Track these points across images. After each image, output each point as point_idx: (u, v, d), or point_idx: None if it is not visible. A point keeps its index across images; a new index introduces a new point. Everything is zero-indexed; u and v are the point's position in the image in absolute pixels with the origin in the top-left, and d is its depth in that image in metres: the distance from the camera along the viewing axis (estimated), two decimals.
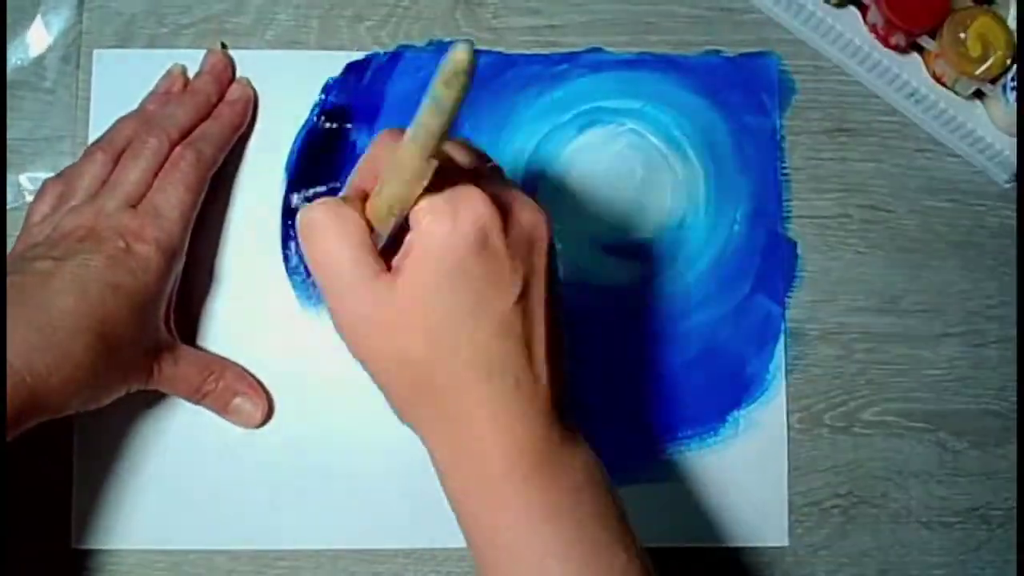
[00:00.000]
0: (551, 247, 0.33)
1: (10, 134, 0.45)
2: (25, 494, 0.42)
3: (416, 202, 0.30)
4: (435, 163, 0.29)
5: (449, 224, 0.30)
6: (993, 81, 0.45)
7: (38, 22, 0.46)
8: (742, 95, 0.47)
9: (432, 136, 0.28)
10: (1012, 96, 0.44)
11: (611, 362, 0.45)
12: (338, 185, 0.45)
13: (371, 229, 0.32)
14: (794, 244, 0.46)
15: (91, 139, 0.44)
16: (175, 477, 0.43)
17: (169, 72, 0.45)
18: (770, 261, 0.46)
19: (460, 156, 0.33)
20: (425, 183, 0.29)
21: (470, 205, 0.30)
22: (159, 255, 0.39)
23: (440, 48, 0.46)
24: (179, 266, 0.41)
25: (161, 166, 0.41)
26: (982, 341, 0.47)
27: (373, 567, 0.44)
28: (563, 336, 0.34)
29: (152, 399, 0.43)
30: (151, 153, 0.41)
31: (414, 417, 0.33)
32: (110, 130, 0.43)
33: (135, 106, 0.44)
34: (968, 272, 0.47)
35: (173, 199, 0.40)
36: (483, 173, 0.33)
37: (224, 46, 0.45)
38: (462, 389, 0.31)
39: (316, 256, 0.32)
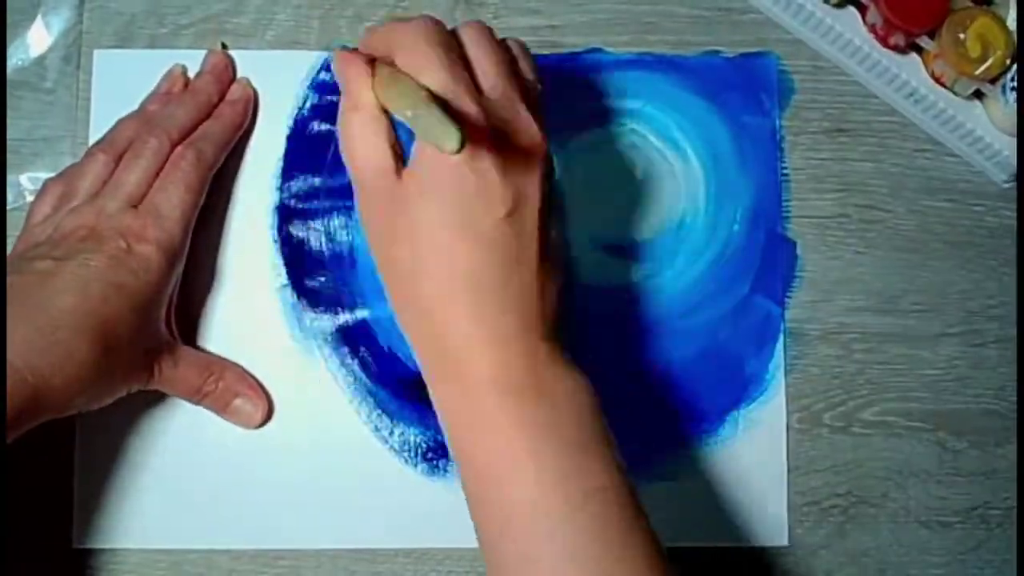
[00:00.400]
0: (549, 170, 0.34)
1: (10, 134, 0.45)
2: (26, 493, 0.42)
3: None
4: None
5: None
6: (992, 81, 0.45)
7: (38, 22, 0.46)
8: (742, 95, 0.47)
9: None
10: (1011, 96, 0.44)
11: (610, 362, 0.45)
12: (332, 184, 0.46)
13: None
14: (793, 244, 0.47)
15: (91, 139, 0.44)
16: (176, 477, 0.43)
17: (170, 72, 0.45)
18: (769, 261, 0.46)
19: (485, 66, 0.34)
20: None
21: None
22: (160, 255, 0.39)
23: None
24: (180, 266, 0.41)
25: (162, 166, 0.41)
26: (981, 341, 0.47)
27: (373, 566, 0.44)
28: (561, 259, 0.35)
29: (153, 399, 0.43)
30: (152, 153, 0.41)
31: (407, 326, 0.35)
32: (111, 130, 0.43)
33: (135, 106, 0.44)
34: (967, 272, 0.47)
35: (174, 199, 0.40)
36: (496, 91, 0.34)
37: (224, 46, 0.46)
38: (446, 300, 0.33)
39: (351, 161, 0.35)
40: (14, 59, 0.46)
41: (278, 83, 0.46)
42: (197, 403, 0.42)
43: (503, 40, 0.36)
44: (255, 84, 0.45)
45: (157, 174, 0.41)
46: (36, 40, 0.46)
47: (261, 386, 0.44)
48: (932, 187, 0.47)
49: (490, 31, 0.36)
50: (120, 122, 0.43)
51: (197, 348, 0.44)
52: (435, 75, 0.32)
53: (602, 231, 0.46)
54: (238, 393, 0.43)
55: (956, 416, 0.46)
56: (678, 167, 0.47)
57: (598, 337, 0.45)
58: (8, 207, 0.45)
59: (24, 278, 0.36)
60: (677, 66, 0.47)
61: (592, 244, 0.46)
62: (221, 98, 0.44)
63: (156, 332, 0.40)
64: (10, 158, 0.45)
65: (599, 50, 0.47)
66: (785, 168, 0.47)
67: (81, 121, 0.45)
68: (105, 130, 0.44)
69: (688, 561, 0.44)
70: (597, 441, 0.33)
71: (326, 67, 0.46)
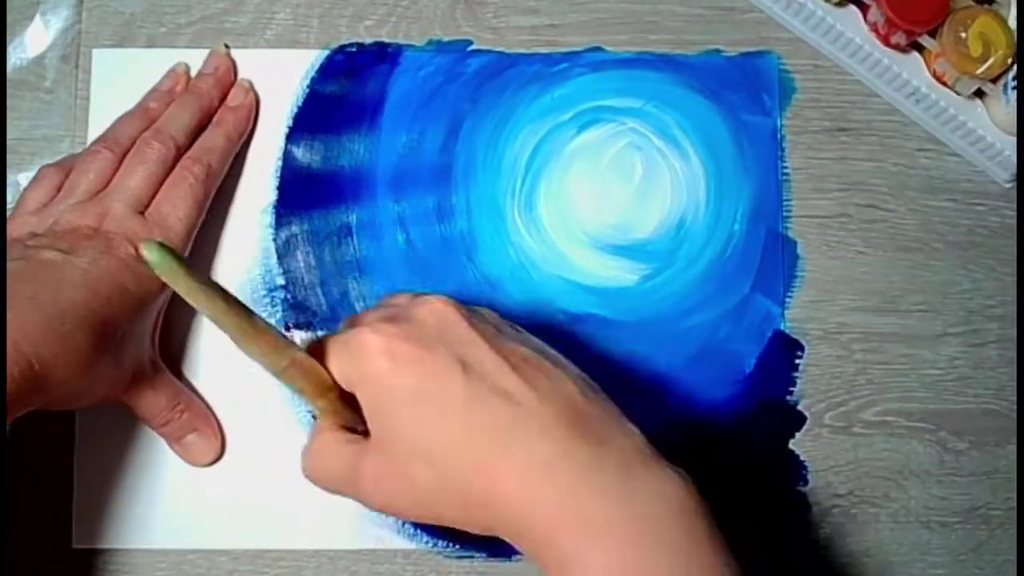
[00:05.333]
0: (468, 316, 0.33)
1: (9, 134, 0.45)
2: (26, 493, 0.42)
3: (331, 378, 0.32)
4: (292, 354, 0.31)
5: (354, 363, 0.32)
6: (994, 80, 0.45)
7: (37, 22, 0.46)
8: (742, 94, 0.47)
9: (238, 328, 0.30)
10: (1012, 95, 0.44)
11: (610, 362, 0.45)
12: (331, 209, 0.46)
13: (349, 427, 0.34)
14: (794, 243, 0.46)
15: (90, 138, 0.44)
16: (176, 477, 0.43)
17: (173, 70, 0.45)
18: (770, 261, 0.46)
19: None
20: (305, 362, 0.32)
21: (359, 337, 0.32)
22: None
23: (440, 47, 0.46)
24: None
25: (166, 172, 0.41)
26: (982, 341, 0.46)
27: (373, 567, 0.44)
28: (548, 361, 0.33)
29: None
30: (156, 158, 0.41)
31: (486, 528, 0.31)
32: (114, 127, 0.43)
33: (134, 106, 0.44)
34: (968, 272, 0.47)
35: (181, 211, 0.40)
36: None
37: (227, 47, 0.45)
38: (476, 472, 0.30)
39: (322, 482, 0.34)
40: (13, 58, 0.46)
41: (276, 82, 0.46)
42: (154, 428, 0.42)
43: None
44: (253, 82, 0.45)
45: (161, 180, 0.41)
46: (35, 39, 0.46)
47: (219, 426, 0.43)
48: (933, 186, 0.47)
49: None
50: (122, 119, 0.43)
51: (177, 365, 0.43)
52: None
53: (602, 231, 0.46)
54: (195, 429, 0.42)
55: (957, 416, 0.46)
56: (678, 166, 0.47)
57: (597, 337, 0.45)
58: (8, 206, 0.44)
59: (31, 265, 0.36)
60: (678, 65, 0.47)
61: (592, 244, 0.46)
62: (222, 100, 0.44)
63: (142, 344, 0.40)
64: (9, 157, 0.45)
65: (599, 49, 0.47)
66: (786, 167, 0.47)
67: (80, 120, 0.45)
68: (104, 129, 0.44)
69: None
70: (705, 547, 0.29)
71: (324, 65, 0.46)
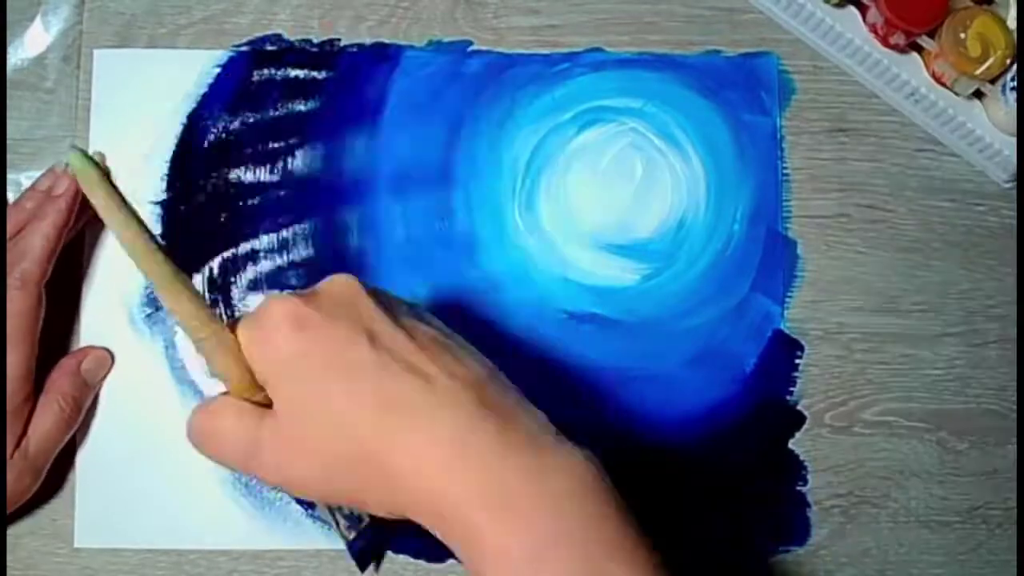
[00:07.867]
0: (373, 293, 0.33)
1: (10, 134, 0.45)
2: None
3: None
4: (214, 327, 0.31)
5: (262, 333, 0.31)
6: (993, 81, 0.45)
7: (38, 22, 0.46)
8: (742, 95, 0.47)
9: (162, 276, 0.31)
10: (1011, 96, 0.44)
11: (609, 362, 0.45)
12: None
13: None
14: (794, 243, 0.46)
15: (91, 139, 0.45)
16: (177, 477, 0.43)
17: (51, 169, 0.43)
18: (770, 261, 0.46)
19: None
20: (225, 336, 0.31)
21: (266, 307, 0.32)
22: None
23: (440, 48, 0.47)
24: (20, 395, 0.40)
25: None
26: (982, 341, 0.47)
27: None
28: (453, 343, 0.33)
29: (153, 397, 0.43)
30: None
31: (393, 508, 0.31)
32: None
33: (135, 106, 0.45)
34: (968, 272, 0.47)
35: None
36: None
37: (105, 155, 0.45)
38: (386, 445, 0.30)
39: (213, 447, 0.33)
40: (14, 59, 0.46)
41: (171, 85, 0.46)
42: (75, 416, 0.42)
43: None
44: (148, 84, 0.45)
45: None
46: (36, 40, 0.46)
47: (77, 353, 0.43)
48: (933, 187, 0.47)
49: None
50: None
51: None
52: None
53: (602, 231, 0.46)
54: (73, 371, 0.42)
55: (957, 416, 0.46)
56: (678, 166, 0.47)
57: (598, 337, 0.45)
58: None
59: None
60: (678, 65, 0.47)
61: (592, 244, 0.46)
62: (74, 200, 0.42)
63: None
64: (10, 157, 0.45)
65: (599, 49, 0.47)
66: (786, 168, 0.47)
67: (81, 121, 0.45)
68: (105, 129, 0.44)
69: (688, 558, 0.44)
70: (615, 526, 0.30)
71: (323, 66, 0.46)
